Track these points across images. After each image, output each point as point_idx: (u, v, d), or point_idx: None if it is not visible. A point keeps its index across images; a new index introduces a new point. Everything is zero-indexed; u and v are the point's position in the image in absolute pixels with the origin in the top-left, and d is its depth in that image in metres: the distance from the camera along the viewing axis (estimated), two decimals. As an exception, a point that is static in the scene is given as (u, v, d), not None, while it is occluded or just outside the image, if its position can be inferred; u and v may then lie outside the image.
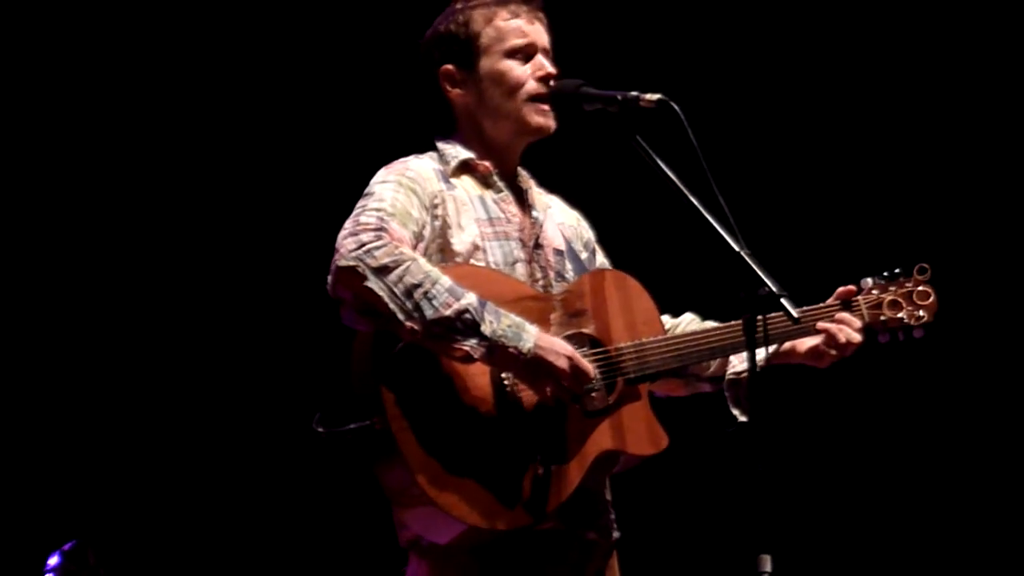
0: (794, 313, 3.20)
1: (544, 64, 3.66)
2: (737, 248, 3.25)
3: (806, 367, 3.79)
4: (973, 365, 5.97)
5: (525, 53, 3.67)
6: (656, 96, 3.44)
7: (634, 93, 3.47)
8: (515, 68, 3.66)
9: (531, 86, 3.65)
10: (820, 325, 3.68)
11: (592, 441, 3.51)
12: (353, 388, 3.48)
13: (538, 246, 3.68)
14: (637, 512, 3.96)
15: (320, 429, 3.46)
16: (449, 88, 3.70)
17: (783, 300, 3.19)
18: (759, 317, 3.22)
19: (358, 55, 5.71)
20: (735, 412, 3.75)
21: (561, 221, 3.82)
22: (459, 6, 3.72)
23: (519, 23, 3.68)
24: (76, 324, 5.67)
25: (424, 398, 3.42)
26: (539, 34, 3.70)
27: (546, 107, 3.65)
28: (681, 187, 3.38)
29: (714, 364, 3.79)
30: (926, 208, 5.98)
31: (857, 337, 3.69)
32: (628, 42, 5.78)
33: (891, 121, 6.03)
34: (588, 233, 3.89)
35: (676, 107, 3.38)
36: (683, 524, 5.97)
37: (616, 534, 3.68)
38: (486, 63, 3.66)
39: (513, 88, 3.65)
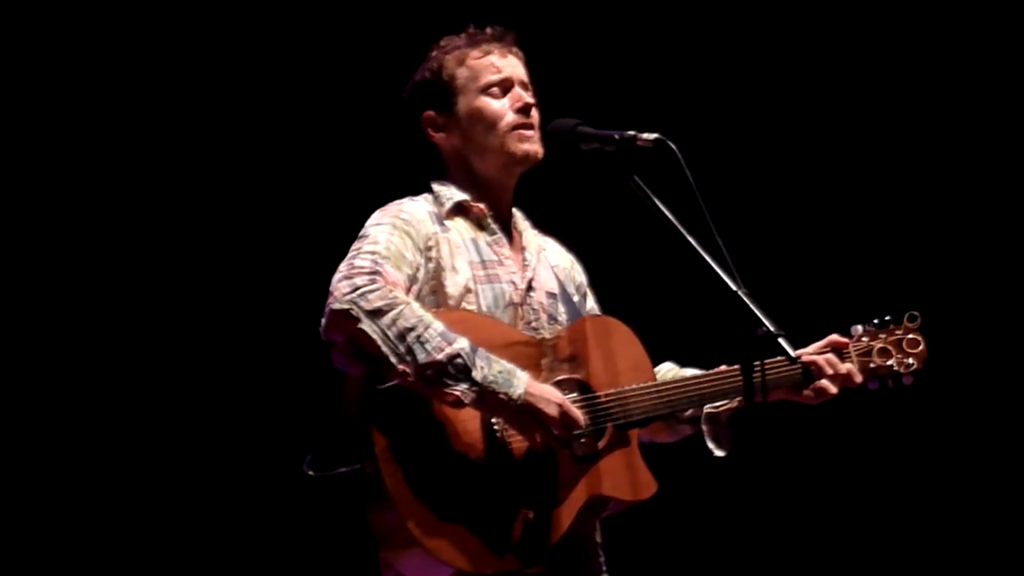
0: (792, 353, 3.17)
1: (522, 95, 3.69)
2: (734, 288, 3.23)
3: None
4: (963, 394, 5.95)
5: (502, 87, 3.70)
6: (653, 135, 3.44)
7: (631, 132, 3.47)
8: (492, 103, 3.68)
9: (511, 118, 3.67)
10: (806, 358, 3.69)
11: (581, 486, 3.51)
12: (343, 432, 3.47)
13: (530, 289, 3.69)
14: (629, 554, 3.93)
15: (310, 472, 3.45)
16: (433, 133, 3.73)
17: (780, 340, 3.16)
18: (756, 362, 3.22)
19: (354, 98, 5.69)
20: (711, 446, 3.75)
21: (556, 263, 3.83)
22: (433, 53, 3.76)
23: (492, 59, 3.71)
24: (71, 348, 5.63)
25: (414, 442, 3.41)
26: (514, 67, 3.73)
27: (529, 133, 3.66)
28: (678, 226, 3.37)
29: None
30: (925, 249, 5.98)
31: (843, 369, 3.70)
32: (625, 82, 5.76)
33: (892, 158, 6.02)
34: (581, 277, 3.90)
35: (673, 146, 3.37)
36: (676, 566, 5.90)
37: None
38: (463, 103, 3.69)
39: (493, 122, 3.67)
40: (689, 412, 3.76)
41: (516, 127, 3.65)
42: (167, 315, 5.65)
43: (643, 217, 3.41)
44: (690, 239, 3.33)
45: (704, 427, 3.76)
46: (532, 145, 3.66)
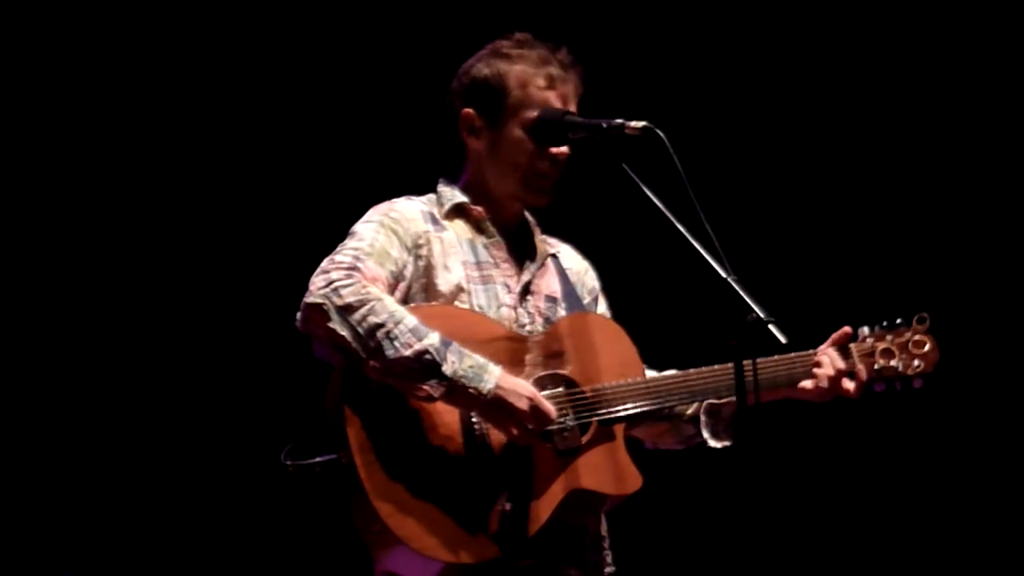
0: (782, 339, 3.14)
1: (561, 151, 3.62)
2: (724, 275, 3.21)
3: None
4: (976, 398, 5.88)
5: None
6: (641, 123, 3.42)
7: (619, 121, 3.45)
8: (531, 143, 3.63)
9: (542, 164, 3.62)
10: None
11: (562, 480, 3.50)
12: (323, 422, 3.47)
13: (527, 292, 3.68)
14: (639, 546, 3.88)
15: (288, 462, 3.44)
16: (466, 133, 3.69)
17: (771, 326, 3.13)
18: (747, 362, 3.17)
19: (350, 96, 5.68)
20: (706, 435, 3.73)
21: (569, 267, 3.82)
22: (504, 51, 3.68)
23: (551, 96, 3.62)
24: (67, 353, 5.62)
25: (391, 434, 3.41)
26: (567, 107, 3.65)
27: (545, 184, 3.64)
28: (668, 214, 3.35)
29: (692, 405, 3.75)
30: (928, 243, 5.92)
31: (841, 364, 3.64)
32: (614, 70, 5.71)
33: (888, 150, 5.96)
34: (594, 282, 3.88)
35: (661, 134, 3.35)
36: (686, 557, 5.87)
37: (610, 569, 3.66)
38: (509, 126, 3.63)
39: (523, 162, 3.63)
40: (690, 412, 3.75)
41: (537, 174, 3.62)
42: (150, 306, 5.65)
43: (632, 205, 3.38)
44: (680, 227, 3.31)
45: (703, 417, 3.73)
46: (542, 197, 3.66)
